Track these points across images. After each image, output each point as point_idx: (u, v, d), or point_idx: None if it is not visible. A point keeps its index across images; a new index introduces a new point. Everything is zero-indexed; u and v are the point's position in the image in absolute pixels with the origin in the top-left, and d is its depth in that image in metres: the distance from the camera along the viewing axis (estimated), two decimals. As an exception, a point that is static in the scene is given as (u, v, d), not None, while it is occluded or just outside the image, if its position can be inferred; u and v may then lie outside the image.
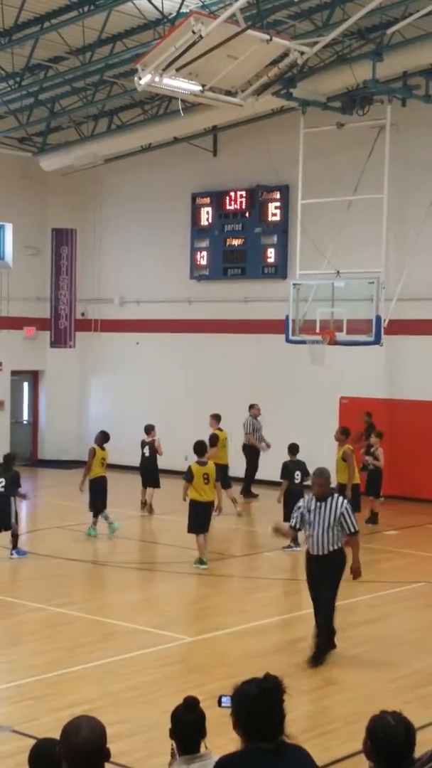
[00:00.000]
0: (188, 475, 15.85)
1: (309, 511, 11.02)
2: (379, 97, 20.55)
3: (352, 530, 11.01)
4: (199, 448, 16.06)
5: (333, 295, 20.92)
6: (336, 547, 11.02)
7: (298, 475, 17.54)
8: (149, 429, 21.08)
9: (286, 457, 18.04)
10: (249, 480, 22.91)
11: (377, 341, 20.29)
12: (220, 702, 4.78)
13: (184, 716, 5.38)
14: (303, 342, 21.16)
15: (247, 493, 22.66)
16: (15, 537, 16.36)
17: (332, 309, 20.84)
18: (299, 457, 17.99)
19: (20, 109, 23.55)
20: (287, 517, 17.39)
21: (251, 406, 23.02)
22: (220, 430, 20.62)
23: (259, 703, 4.37)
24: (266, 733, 4.36)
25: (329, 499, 11.02)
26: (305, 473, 17.43)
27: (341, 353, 21.55)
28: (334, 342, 20.56)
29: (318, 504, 11.01)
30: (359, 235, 21.78)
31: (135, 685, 10.26)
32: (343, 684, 10.45)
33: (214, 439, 19.79)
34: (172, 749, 5.44)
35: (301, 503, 11.24)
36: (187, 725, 5.33)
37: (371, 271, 20.32)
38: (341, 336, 20.49)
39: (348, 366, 22.82)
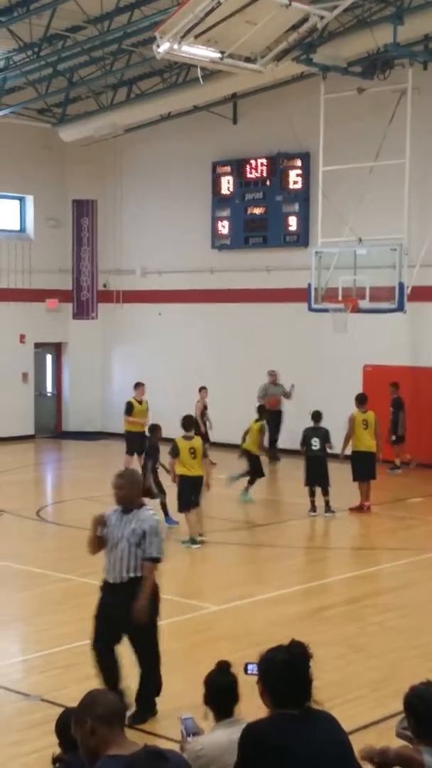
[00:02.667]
0: (174, 450, 15.31)
1: (111, 525, 8.61)
2: (400, 60, 20.32)
3: (150, 554, 8.51)
4: (186, 423, 15.65)
5: (355, 262, 20.80)
6: (141, 575, 8.52)
7: (315, 442, 17.57)
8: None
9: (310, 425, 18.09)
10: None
11: (400, 308, 20.18)
12: (246, 669, 4.81)
13: (217, 679, 5.41)
14: (326, 310, 21.09)
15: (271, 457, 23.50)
16: (163, 506, 16.16)
17: (355, 276, 20.73)
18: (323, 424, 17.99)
19: (39, 79, 23.45)
20: (308, 482, 17.61)
21: (268, 373, 24.01)
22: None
23: (286, 670, 4.38)
24: (293, 700, 4.37)
25: (135, 511, 8.55)
26: (325, 440, 17.58)
27: (364, 321, 21.46)
28: (356, 310, 20.47)
29: (122, 516, 8.60)
30: (381, 201, 21.61)
31: (162, 653, 10.30)
32: (370, 651, 10.47)
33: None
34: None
35: (104, 514, 8.80)
36: (222, 688, 5.36)
37: (394, 238, 20.19)
38: (364, 303, 20.39)
39: (371, 334, 22.72)
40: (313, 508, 17.64)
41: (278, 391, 23.86)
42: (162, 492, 16.18)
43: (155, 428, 16.79)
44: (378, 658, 10.22)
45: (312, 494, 17.69)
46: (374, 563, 14.56)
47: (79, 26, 20.84)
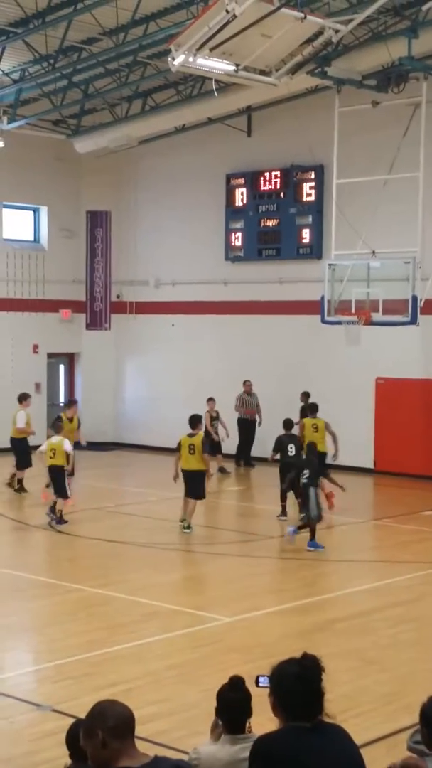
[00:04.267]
0: (178, 447, 17.00)
1: None
2: (415, 74, 20.34)
3: None
4: (192, 421, 17.15)
5: (369, 275, 20.81)
6: None
7: (291, 448, 18.17)
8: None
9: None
10: (239, 452, 24.92)
11: (413, 321, 20.15)
12: (257, 682, 4.80)
13: (228, 695, 5.40)
14: (339, 323, 21.07)
15: (246, 464, 24.65)
16: (311, 530, 15.77)
17: (368, 289, 20.73)
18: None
19: (54, 91, 23.57)
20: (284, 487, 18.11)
21: (243, 383, 24.76)
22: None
23: (297, 682, 4.38)
24: (305, 713, 4.37)
25: None
26: (299, 447, 18.22)
27: (377, 334, 21.45)
28: (369, 322, 20.46)
29: None
30: (395, 214, 21.62)
31: (174, 664, 10.32)
32: (381, 664, 10.45)
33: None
34: (217, 722, 5.47)
35: None
36: (232, 704, 5.36)
37: (407, 251, 20.16)
38: (377, 316, 20.37)
39: (384, 346, 22.72)
40: (284, 513, 18.04)
41: (253, 401, 24.56)
42: (319, 515, 15.87)
43: (312, 446, 16.96)
44: (390, 671, 10.19)
45: (284, 499, 18.15)
46: (387, 576, 14.52)
47: (95, 38, 20.94)
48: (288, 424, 18.81)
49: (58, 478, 17.58)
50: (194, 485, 16.95)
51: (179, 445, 16.95)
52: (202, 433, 17.21)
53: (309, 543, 15.80)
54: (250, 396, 24.65)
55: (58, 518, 17.41)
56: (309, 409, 20.13)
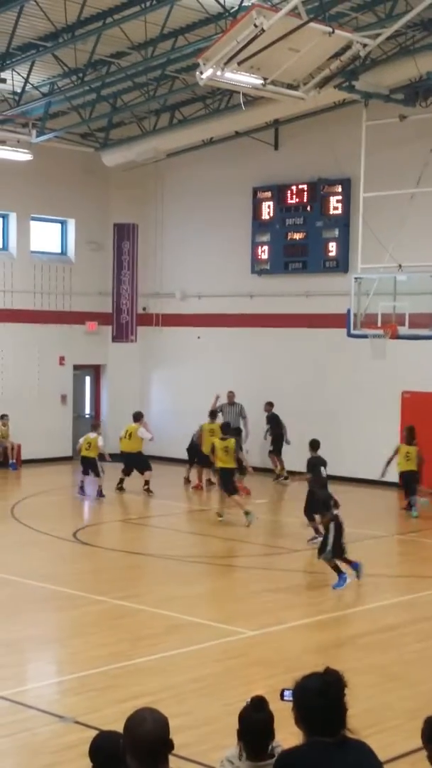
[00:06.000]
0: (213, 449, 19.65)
1: None
2: (443, 88, 20.34)
3: None
4: (224, 428, 20.24)
5: (395, 288, 20.73)
6: None
7: (323, 470, 17.25)
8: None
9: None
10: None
11: (440, 335, 20.09)
12: (282, 695, 4.77)
13: (251, 715, 5.33)
14: (365, 336, 21.01)
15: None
16: (335, 567, 14.36)
17: (394, 303, 20.66)
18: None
19: (83, 104, 23.71)
20: (308, 511, 17.32)
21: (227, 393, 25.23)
22: None
23: (320, 698, 4.35)
24: (328, 728, 4.34)
25: None
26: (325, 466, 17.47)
27: (403, 347, 21.38)
28: (396, 336, 20.39)
29: None
30: (422, 228, 21.58)
31: (197, 677, 10.30)
32: (406, 680, 10.38)
33: None
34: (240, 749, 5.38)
35: None
36: (255, 725, 5.27)
37: (434, 265, 20.12)
38: (403, 330, 20.30)
39: (410, 360, 22.64)
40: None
41: (234, 411, 24.62)
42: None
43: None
44: (414, 687, 10.12)
45: (313, 519, 17.28)
46: (412, 591, 14.46)
47: (124, 52, 21.06)
48: (314, 444, 17.76)
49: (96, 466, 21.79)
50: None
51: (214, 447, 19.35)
52: (233, 439, 19.48)
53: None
54: (232, 406, 24.58)
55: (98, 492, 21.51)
56: (210, 416, 22.76)
